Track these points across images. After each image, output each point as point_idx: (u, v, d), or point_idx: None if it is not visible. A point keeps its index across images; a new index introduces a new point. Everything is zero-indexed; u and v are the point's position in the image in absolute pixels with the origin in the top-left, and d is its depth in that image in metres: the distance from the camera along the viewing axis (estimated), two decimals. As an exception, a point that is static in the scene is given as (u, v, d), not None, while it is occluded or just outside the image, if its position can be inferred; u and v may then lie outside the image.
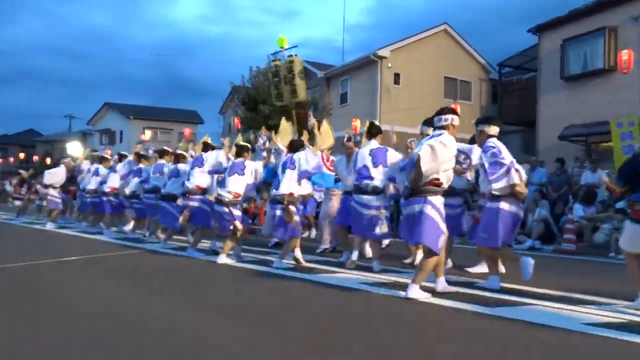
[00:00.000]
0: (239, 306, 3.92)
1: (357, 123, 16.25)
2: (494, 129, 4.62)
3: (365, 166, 5.49)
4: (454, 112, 4.40)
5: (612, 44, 13.15)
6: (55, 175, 11.21)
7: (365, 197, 5.42)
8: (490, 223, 4.43)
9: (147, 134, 34.38)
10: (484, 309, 3.69)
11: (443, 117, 4.32)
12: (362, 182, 5.45)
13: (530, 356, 2.78)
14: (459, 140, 4.59)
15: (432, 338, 3.12)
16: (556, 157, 10.47)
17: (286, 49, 10.21)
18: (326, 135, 7.68)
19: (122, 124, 36.89)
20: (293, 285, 4.74)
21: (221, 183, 6.41)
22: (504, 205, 4.38)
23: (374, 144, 5.68)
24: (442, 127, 4.29)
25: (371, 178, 5.42)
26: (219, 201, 6.13)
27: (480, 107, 21.07)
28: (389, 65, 19.49)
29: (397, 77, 19.73)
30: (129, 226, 9.47)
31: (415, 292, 4.02)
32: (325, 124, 7.71)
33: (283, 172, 5.79)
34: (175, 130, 37.20)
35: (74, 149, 21.18)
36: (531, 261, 4.39)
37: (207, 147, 7.24)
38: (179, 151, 8.32)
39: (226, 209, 6.02)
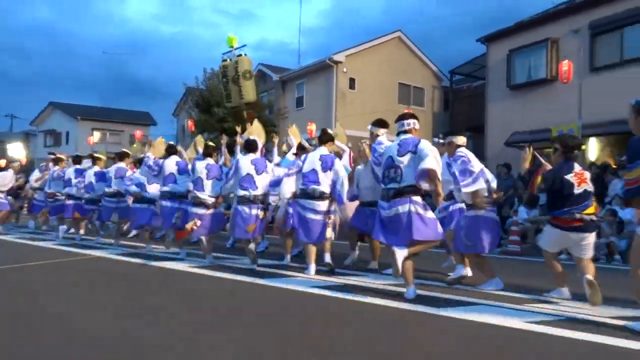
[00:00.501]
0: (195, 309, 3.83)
1: (312, 127, 16.34)
2: (461, 139, 4.94)
3: (314, 170, 5.51)
4: (414, 117, 4.54)
5: (554, 55, 13.86)
6: (3, 178, 10.70)
7: (313, 202, 5.45)
8: (473, 230, 4.61)
9: (96, 136, 33.17)
10: (434, 310, 3.77)
11: (406, 121, 4.44)
12: (308, 186, 5.46)
13: (474, 353, 2.86)
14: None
15: (384, 339, 3.15)
16: (503, 162, 10.90)
17: (236, 49, 9.98)
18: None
19: (68, 125, 35.36)
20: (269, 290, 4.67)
21: (197, 186, 6.26)
22: (482, 212, 4.60)
23: (324, 150, 5.72)
24: (406, 132, 4.40)
25: (319, 183, 5.45)
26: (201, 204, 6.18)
27: (432, 113, 21.67)
28: (345, 70, 19.71)
29: (352, 82, 19.98)
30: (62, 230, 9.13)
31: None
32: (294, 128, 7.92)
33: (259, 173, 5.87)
34: (126, 132, 36.03)
35: (16, 150, 20.12)
36: (501, 285, 4.64)
37: (171, 150, 7.17)
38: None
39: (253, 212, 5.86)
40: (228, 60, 9.86)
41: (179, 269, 5.81)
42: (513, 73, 15.11)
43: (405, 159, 4.18)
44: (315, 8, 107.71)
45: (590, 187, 4.21)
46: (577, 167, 4.26)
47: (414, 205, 4.11)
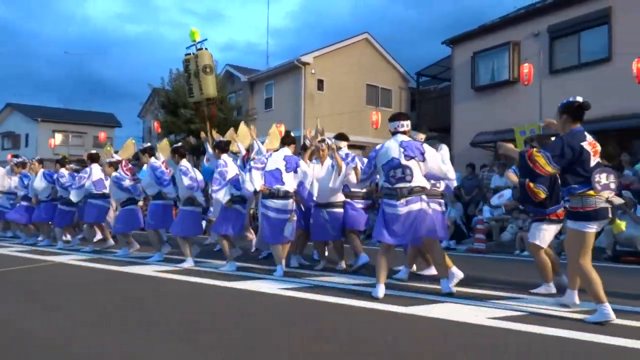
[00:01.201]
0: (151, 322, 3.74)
1: (282, 128, 16.30)
2: (420, 136, 5.11)
3: (277, 169, 5.54)
4: (408, 117, 4.70)
5: (516, 58, 14.26)
6: None
7: (278, 202, 5.47)
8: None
9: (58, 138, 32.11)
10: (400, 309, 3.81)
11: (401, 122, 4.56)
12: (272, 186, 5.47)
13: (438, 351, 2.91)
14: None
15: (353, 340, 3.16)
16: (469, 162, 11.15)
17: (197, 42, 9.80)
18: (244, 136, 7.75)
19: (27, 127, 34.08)
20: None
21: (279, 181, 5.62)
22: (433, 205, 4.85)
23: (287, 151, 5.78)
24: (403, 132, 4.54)
25: (282, 182, 5.49)
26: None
27: (400, 114, 21.94)
28: (313, 71, 19.74)
29: (320, 83, 20.03)
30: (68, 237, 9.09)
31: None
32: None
33: (249, 170, 5.58)
34: (89, 133, 35.02)
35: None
36: (460, 275, 4.79)
37: (145, 153, 7.03)
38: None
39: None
40: (191, 54, 9.67)
41: (145, 273, 5.70)
42: (477, 75, 15.47)
43: (412, 163, 4.37)
44: (284, 9, 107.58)
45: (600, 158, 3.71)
46: (588, 136, 3.68)
47: (425, 203, 4.41)
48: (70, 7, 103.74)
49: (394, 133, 4.55)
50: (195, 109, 11.19)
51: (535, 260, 4.60)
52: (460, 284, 4.84)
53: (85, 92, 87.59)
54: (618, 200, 3.59)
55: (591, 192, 3.50)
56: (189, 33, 9.64)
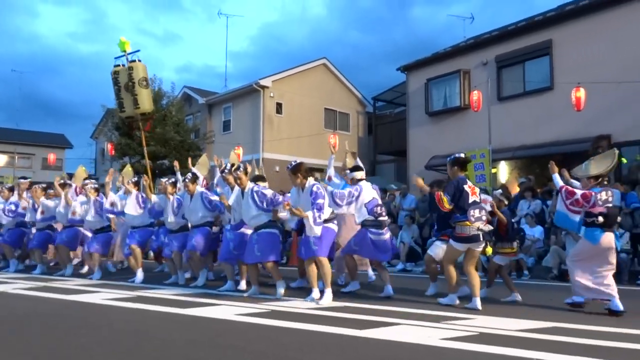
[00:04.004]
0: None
1: (239, 151, 16.22)
2: (359, 174, 5.91)
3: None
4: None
5: (466, 85, 14.93)
6: None
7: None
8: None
9: (2, 159, 30.64)
10: (354, 332, 3.84)
11: (362, 172, 5.96)
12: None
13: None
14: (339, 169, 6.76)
15: (306, 365, 3.16)
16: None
17: (129, 54, 9.36)
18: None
19: (-30, 147, 32.39)
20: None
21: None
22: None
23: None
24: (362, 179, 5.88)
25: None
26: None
27: (358, 137, 22.35)
28: (272, 94, 19.88)
29: (279, 106, 20.17)
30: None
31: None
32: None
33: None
34: (37, 155, 33.70)
35: None
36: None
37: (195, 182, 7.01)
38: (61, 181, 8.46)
39: None
40: (120, 65, 9.22)
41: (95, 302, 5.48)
42: (431, 101, 16.05)
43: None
44: (243, 33, 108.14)
45: (478, 198, 5.13)
46: (469, 182, 5.20)
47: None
48: (18, 24, 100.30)
49: (359, 180, 5.78)
50: (128, 125, 10.77)
51: (444, 271, 5.31)
52: (415, 305, 4.94)
53: (35, 112, 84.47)
54: (487, 228, 4.93)
55: (467, 222, 4.89)
56: (118, 43, 9.14)
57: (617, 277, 7.36)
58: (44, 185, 8.80)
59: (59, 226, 8.69)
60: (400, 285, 6.39)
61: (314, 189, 5.30)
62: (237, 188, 5.96)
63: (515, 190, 9.10)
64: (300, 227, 6.24)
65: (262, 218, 5.71)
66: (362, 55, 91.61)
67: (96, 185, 8.07)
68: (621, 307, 4.62)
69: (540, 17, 13.79)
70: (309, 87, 21.00)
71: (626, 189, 8.72)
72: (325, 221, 5.35)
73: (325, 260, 5.33)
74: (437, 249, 5.66)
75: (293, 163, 5.54)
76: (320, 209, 5.20)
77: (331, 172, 6.79)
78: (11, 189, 9.31)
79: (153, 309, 4.98)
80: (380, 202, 5.87)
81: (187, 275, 7.34)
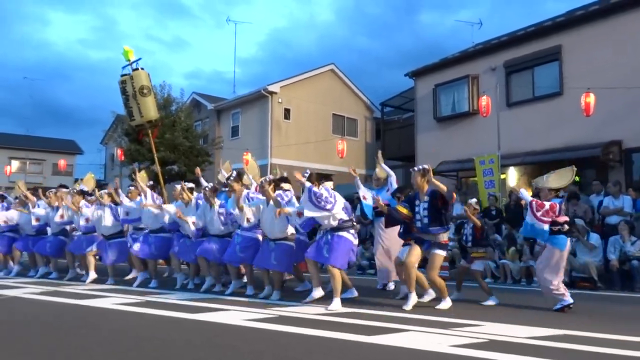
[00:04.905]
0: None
1: (248, 157, 16.27)
2: (328, 184, 5.82)
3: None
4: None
5: (475, 90, 14.87)
6: None
7: None
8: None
9: (14, 165, 30.97)
10: (363, 338, 3.83)
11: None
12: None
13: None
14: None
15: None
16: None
17: (132, 62, 9.37)
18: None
19: (-18, 153, 32.82)
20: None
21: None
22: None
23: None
24: None
25: None
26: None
27: (365, 143, 22.35)
28: (280, 100, 19.96)
29: (287, 112, 20.24)
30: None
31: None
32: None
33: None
34: (48, 160, 34.08)
35: None
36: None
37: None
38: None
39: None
40: (127, 75, 9.22)
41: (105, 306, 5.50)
42: (439, 106, 16.00)
43: None
44: (251, 39, 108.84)
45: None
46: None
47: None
48: (29, 32, 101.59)
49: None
50: (138, 132, 10.82)
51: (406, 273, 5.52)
52: (424, 311, 4.91)
53: (46, 118, 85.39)
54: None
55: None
56: (122, 52, 9.14)
57: (630, 284, 7.34)
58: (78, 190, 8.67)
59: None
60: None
61: (322, 191, 5.39)
62: (263, 199, 6.14)
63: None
64: (311, 231, 6.33)
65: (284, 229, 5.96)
66: (369, 60, 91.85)
67: (109, 191, 8.09)
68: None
69: (550, 23, 13.72)
70: (316, 93, 21.06)
71: (637, 195, 8.63)
72: (340, 229, 5.41)
73: (335, 271, 5.33)
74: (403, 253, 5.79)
75: (306, 173, 5.68)
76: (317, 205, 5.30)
77: (362, 192, 6.59)
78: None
79: (161, 314, 5.00)
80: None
81: (197, 280, 7.38)
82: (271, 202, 5.91)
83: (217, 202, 6.78)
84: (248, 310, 5.15)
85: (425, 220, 5.32)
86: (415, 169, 5.55)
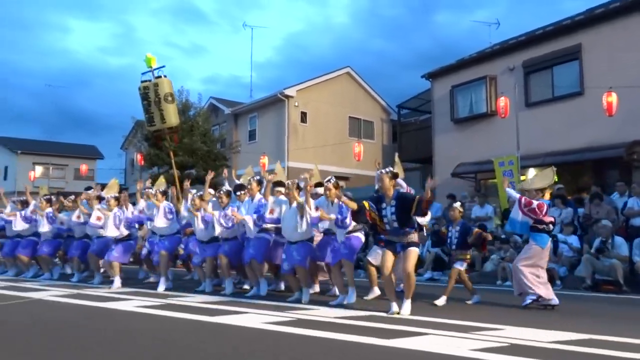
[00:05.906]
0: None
1: (265, 160, 16.36)
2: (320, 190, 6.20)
3: None
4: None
5: (493, 91, 14.70)
6: None
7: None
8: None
9: (38, 170, 31.66)
10: (382, 341, 3.80)
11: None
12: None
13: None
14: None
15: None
16: (449, 193, 11.29)
17: (155, 69, 9.55)
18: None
19: (7, 159, 33.65)
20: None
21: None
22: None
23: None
24: None
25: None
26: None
27: (382, 145, 22.27)
28: (296, 104, 20.03)
29: (304, 115, 20.30)
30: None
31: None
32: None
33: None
34: (70, 166, 34.68)
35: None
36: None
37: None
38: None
39: None
40: (148, 81, 9.42)
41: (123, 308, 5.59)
42: (456, 107, 15.86)
43: None
44: (268, 43, 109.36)
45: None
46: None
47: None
48: (50, 40, 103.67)
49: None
50: (156, 137, 11.13)
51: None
52: (443, 314, 4.86)
53: (68, 124, 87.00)
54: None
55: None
56: (145, 59, 9.32)
57: (637, 286, 7.17)
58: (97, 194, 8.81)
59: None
60: (428, 295, 6.31)
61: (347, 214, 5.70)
62: (286, 200, 6.25)
63: (547, 196, 8.91)
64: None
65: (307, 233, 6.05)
66: (385, 63, 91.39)
67: (117, 195, 8.12)
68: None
69: (569, 21, 13.52)
70: (333, 96, 21.07)
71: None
72: (354, 232, 5.97)
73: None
74: (375, 254, 6.04)
75: (332, 180, 5.95)
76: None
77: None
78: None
79: (181, 317, 5.05)
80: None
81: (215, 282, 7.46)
82: (294, 204, 5.95)
83: (209, 205, 7.00)
84: (267, 313, 5.16)
85: (395, 224, 5.17)
86: (384, 170, 5.39)
